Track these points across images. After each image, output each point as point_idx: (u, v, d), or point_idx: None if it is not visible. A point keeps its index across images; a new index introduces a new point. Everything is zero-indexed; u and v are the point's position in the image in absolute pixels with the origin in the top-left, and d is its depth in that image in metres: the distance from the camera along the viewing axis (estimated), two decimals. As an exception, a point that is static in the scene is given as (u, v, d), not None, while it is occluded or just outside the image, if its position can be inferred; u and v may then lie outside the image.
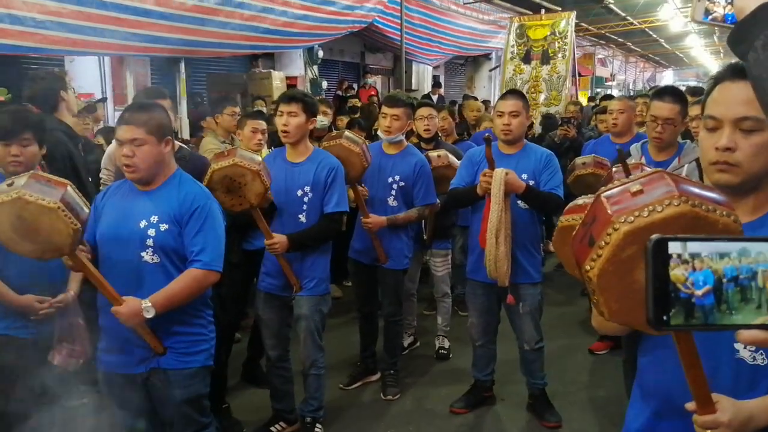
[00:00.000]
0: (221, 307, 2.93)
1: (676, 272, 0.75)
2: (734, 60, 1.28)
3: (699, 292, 0.75)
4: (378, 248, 3.91)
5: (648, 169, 1.21)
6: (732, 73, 1.35)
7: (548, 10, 11.75)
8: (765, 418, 1.28)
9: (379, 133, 4.14)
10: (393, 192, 3.94)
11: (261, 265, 3.52)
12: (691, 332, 1.12)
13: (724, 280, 0.75)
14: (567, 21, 10.06)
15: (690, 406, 1.22)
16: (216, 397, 3.41)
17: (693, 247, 0.75)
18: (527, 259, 3.55)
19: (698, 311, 0.75)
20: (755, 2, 0.98)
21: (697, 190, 1.04)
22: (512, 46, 10.44)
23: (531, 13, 15.05)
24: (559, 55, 9.95)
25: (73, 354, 2.75)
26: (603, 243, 1.02)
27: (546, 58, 10.04)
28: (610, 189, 1.08)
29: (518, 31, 10.41)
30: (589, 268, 1.04)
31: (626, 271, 1.01)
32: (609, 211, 1.03)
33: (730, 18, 1.12)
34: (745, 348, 1.37)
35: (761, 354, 1.36)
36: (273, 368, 3.54)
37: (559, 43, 9.97)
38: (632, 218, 1.00)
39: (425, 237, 4.61)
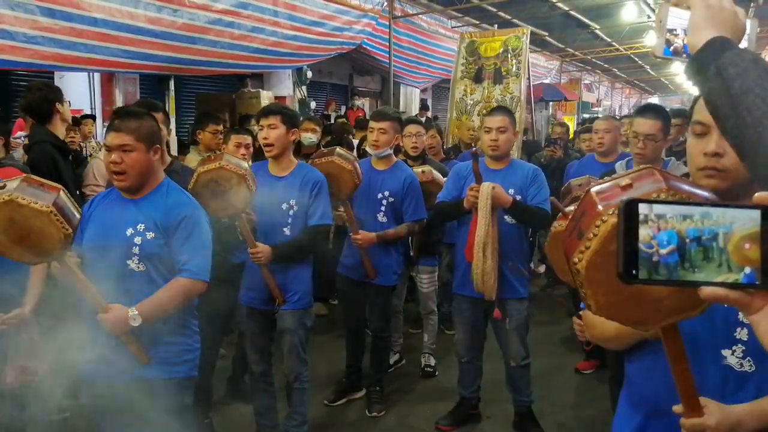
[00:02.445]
0: (206, 321, 2.91)
1: (642, 231, 0.80)
2: None
3: (664, 251, 0.80)
4: (367, 264, 3.91)
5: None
6: None
7: (501, 25, 11.02)
8: (752, 424, 1.29)
9: (367, 148, 4.16)
10: (382, 208, 3.95)
11: (242, 280, 3.50)
12: (677, 326, 1.14)
13: (687, 240, 0.80)
14: (521, 38, 9.28)
15: (678, 408, 1.23)
16: (199, 411, 3.38)
17: (659, 209, 0.80)
18: (513, 274, 3.56)
19: (663, 268, 0.80)
20: (705, 38, 1.09)
21: (686, 187, 1.07)
22: (462, 65, 9.65)
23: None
24: (513, 74, 9.16)
25: (28, 371, 2.70)
26: (591, 235, 1.04)
27: (499, 78, 9.26)
28: (600, 184, 1.10)
29: (468, 48, 9.63)
30: (577, 260, 1.06)
31: (614, 264, 1.03)
32: (598, 205, 1.05)
33: (687, 49, 1.18)
34: (732, 355, 1.38)
35: (748, 361, 1.37)
36: (257, 383, 3.51)
37: (512, 61, 9.20)
38: None
39: (412, 253, 4.61)
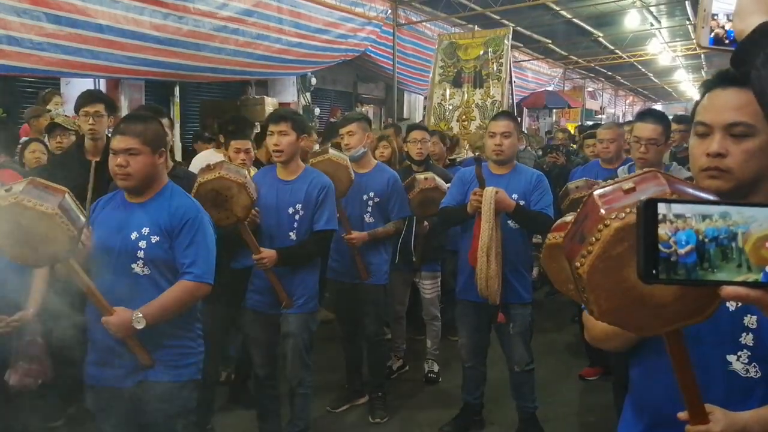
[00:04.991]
0: (209, 326, 2.91)
1: (660, 231, 0.79)
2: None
3: (682, 251, 0.79)
4: (360, 265, 3.95)
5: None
6: (722, 80, 1.34)
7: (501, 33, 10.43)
8: (758, 430, 1.27)
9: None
10: (369, 209, 4.03)
11: (248, 284, 3.50)
12: (681, 333, 1.12)
13: (706, 240, 0.79)
14: (502, 40, 8.83)
15: (683, 415, 1.22)
16: (201, 417, 3.37)
17: (677, 209, 0.79)
18: (517, 278, 3.56)
19: (681, 268, 0.79)
20: (753, 23, 1.02)
21: (690, 190, 1.05)
22: (440, 68, 9.22)
23: (522, 45, 15.29)
24: (494, 77, 8.69)
25: (31, 373, 2.70)
26: (594, 239, 1.02)
27: (479, 81, 8.80)
28: (603, 188, 1.08)
29: (447, 50, 9.19)
30: (579, 264, 1.04)
31: (616, 269, 1.01)
32: (601, 208, 1.03)
33: (732, 35, 1.15)
34: (737, 360, 1.37)
35: (754, 366, 1.36)
36: (261, 387, 3.50)
37: (494, 64, 8.76)
38: (623, 215, 0.99)
39: (414, 259, 4.61)
